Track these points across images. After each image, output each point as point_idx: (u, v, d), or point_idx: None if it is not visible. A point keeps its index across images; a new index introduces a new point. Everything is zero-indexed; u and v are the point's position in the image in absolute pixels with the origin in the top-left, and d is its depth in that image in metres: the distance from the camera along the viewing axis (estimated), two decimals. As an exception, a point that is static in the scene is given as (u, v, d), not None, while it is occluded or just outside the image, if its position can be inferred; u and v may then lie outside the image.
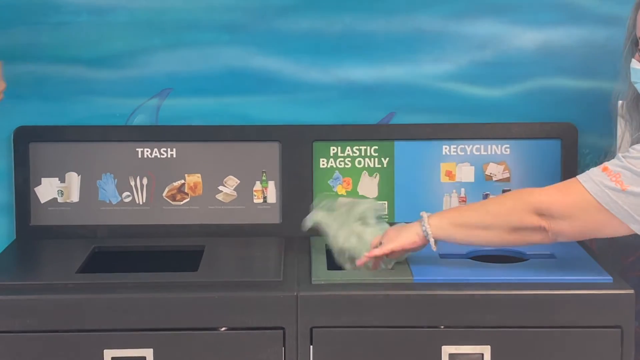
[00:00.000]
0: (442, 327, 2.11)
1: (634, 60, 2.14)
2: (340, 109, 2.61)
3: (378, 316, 2.10)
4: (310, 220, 2.29)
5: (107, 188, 2.58)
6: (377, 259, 2.23)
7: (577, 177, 2.10)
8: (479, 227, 2.16)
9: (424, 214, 2.21)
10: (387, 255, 2.22)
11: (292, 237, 2.52)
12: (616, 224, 2.05)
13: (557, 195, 2.11)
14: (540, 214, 2.10)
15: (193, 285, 2.16)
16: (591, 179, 2.07)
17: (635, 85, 2.18)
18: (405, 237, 2.21)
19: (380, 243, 2.23)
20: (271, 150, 2.59)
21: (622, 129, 2.26)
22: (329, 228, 2.30)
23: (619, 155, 2.07)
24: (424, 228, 2.18)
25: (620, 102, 2.29)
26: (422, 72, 2.60)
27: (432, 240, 2.18)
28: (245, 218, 2.59)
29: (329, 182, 2.60)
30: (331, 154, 2.59)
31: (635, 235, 2.08)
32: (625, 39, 2.19)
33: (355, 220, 2.30)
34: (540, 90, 2.60)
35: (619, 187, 2.03)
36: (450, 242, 2.21)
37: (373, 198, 2.60)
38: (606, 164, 2.08)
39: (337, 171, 2.60)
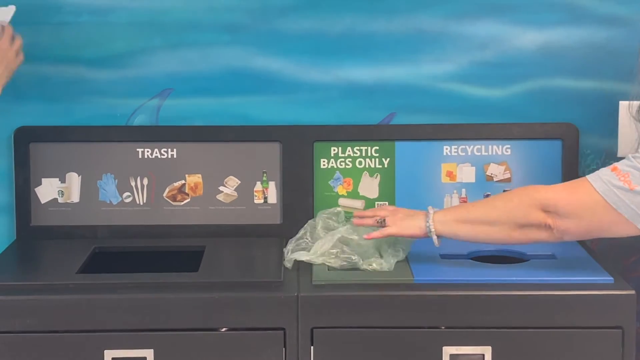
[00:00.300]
0: (443, 327, 2.11)
1: None
2: (341, 109, 2.61)
3: (379, 317, 2.10)
4: (289, 261, 2.29)
5: (108, 188, 2.58)
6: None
7: (587, 176, 2.10)
8: (484, 223, 2.16)
9: (431, 209, 2.22)
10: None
11: (293, 238, 2.52)
12: (623, 224, 2.05)
13: (565, 193, 2.11)
14: (547, 211, 2.10)
15: (193, 286, 2.16)
16: (600, 178, 2.07)
17: None
18: (407, 226, 2.22)
19: (384, 221, 2.24)
20: (272, 151, 2.58)
21: (638, 131, 2.25)
22: (313, 258, 2.29)
23: (629, 155, 2.08)
24: (427, 224, 2.19)
25: (629, 103, 2.29)
26: (422, 72, 2.60)
27: (435, 238, 2.19)
28: (245, 218, 2.59)
29: (329, 182, 2.60)
30: (332, 155, 2.59)
31: (637, 236, 2.08)
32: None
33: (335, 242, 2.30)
34: (541, 90, 2.60)
35: (626, 187, 2.03)
36: (454, 238, 2.21)
37: (373, 198, 2.60)
38: (616, 164, 2.08)
39: (337, 171, 2.60)
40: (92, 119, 2.59)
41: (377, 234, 2.23)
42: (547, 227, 2.11)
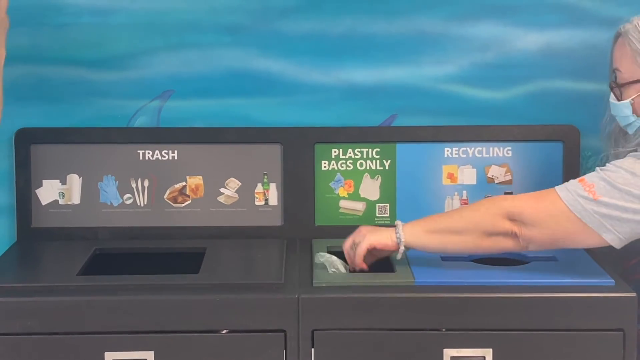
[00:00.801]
0: (443, 329, 2.10)
1: (612, 94, 2.19)
2: (342, 111, 2.61)
3: (380, 319, 2.10)
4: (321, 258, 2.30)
5: (109, 190, 2.58)
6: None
7: (555, 187, 2.14)
8: (453, 233, 2.19)
9: (399, 222, 2.23)
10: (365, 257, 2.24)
11: (294, 239, 2.52)
12: (587, 233, 2.09)
13: (530, 201, 2.14)
14: (512, 219, 2.13)
15: (194, 288, 2.15)
16: (566, 188, 2.12)
17: (616, 117, 2.21)
18: (378, 237, 2.22)
19: (354, 242, 2.24)
20: (273, 152, 2.58)
21: (614, 152, 2.28)
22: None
23: (597, 168, 2.13)
24: (397, 235, 2.20)
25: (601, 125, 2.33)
26: (424, 74, 2.60)
27: (401, 248, 2.20)
28: (246, 220, 2.59)
29: (330, 184, 2.59)
30: (333, 156, 2.59)
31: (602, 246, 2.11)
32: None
33: None
34: (542, 92, 2.60)
35: (590, 197, 2.07)
36: (424, 250, 2.23)
37: (375, 200, 2.60)
38: (584, 176, 2.13)
39: (338, 173, 2.59)
40: (92, 120, 2.59)
41: (357, 259, 2.23)
42: (514, 235, 2.14)
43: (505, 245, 2.17)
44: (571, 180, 2.14)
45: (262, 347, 2.10)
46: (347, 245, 2.27)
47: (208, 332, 2.10)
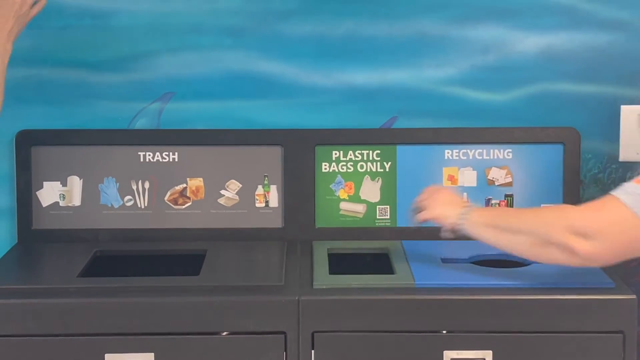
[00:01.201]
0: (444, 331, 2.11)
1: None
2: (343, 113, 2.61)
3: (380, 321, 2.10)
4: None
5: (109, 192, 2.58)
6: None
7: (612, 192, 2.01)
8: (510, 231, 2.10)
9: (471, 206, 2.19)
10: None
11: (294, 241, 2.52)
12: None
13: (593, 213, 2.01)
14: (576, 233, 1.98)
15: (195, 290, 2.15)
16: (625, 191, 1.98)
17: None
18: (441, 214, 2.21)
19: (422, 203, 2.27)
20: (273, 154, 2.58)
21: None
22: None
23: None
24: (461, 222, 2.16)
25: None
26: (424, 76, 2.60)
27: (452, 234, 2.18)
28: (247, 222, 2.59)
29: (330, 186, 2.60)
30: (333, 158, 2.59)
31: None
32: None
33: None
34: (543, 94, 2.60)
35: None
36: (480, 240, 2.16)
37: (375, 202, 2.60)
38: (637, 177, 2.00)
39: (339, 175, 2.60)
40: (93, 122, 2.59)
41: (417, 220, 2.26)
42: (570, 251, 2.00)
43: (557, 257, 2.04)
44: (625, 184, 2.00)
45: (262, 349, 2.10)
46: (419, 199, 2.28)
47: (208, 334, 2.10)
